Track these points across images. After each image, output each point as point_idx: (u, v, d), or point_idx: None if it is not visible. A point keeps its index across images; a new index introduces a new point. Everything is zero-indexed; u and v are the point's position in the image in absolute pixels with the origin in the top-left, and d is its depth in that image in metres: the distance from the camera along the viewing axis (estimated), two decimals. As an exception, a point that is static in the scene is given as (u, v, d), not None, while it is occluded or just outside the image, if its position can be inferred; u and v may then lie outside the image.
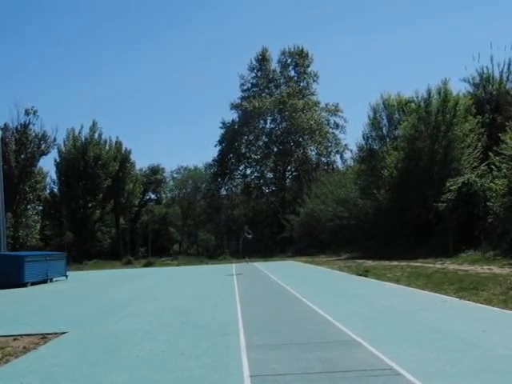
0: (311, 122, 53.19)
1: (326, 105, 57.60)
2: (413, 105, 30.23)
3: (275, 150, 56.67)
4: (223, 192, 60.08)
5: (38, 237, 42.12)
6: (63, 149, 44.86)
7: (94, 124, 45.96)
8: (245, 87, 57.75)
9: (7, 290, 17.47)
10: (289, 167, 57.72)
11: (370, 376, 4.95)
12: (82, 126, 45.79)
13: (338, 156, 56.83)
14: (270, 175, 58.46)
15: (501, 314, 8.32)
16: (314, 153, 56.98)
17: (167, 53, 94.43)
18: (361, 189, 34.02)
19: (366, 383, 4.79)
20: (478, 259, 19.24)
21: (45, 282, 20.23)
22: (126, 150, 50.74)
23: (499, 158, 22.38)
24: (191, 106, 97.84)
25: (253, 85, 57.66)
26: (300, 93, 55.75)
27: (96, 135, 46.03)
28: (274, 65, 58.04)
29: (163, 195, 65.53)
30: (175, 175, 65.13)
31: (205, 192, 60.34)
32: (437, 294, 11.02)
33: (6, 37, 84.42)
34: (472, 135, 27.21)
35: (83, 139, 45.39)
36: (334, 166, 54.31)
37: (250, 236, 21.72)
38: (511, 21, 67.14)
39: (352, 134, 46.63)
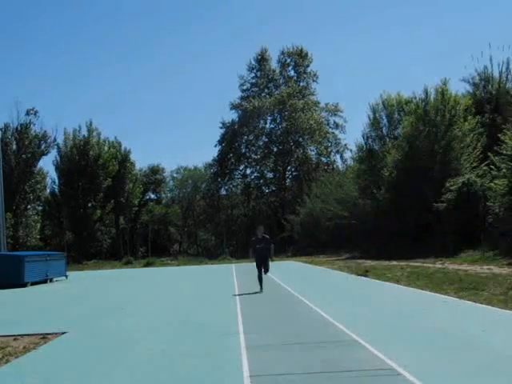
0: (311, 122, 53.20)
1: (326, 105, 57.64)
2: (412, 105, 30.25)
3: (275, 150, 56.70)
4: (223, 192, 60.12)
5: (38, 237, 42.12)
6: (63, 149, 44.88)
7: (91, 124, 46.06)
8: (244, 87, 57.84)
9: (7, 290, 17.46)
10: (289, 167, 57.74)
11: (370, 376, 4.95)
12: (79, 127, 45.91)
13: (337, 156, 56.91)
14: (270, 175, 58.50)
15: (501, 314, 8.32)
16: (313, 153, 57.06)
17: (167, 53, 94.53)
18: (361, 189, 34.01)
19: (366, 383, 4.79)
20: (478, 259, 19.24)
21: (45, 282, 20.23)
22: (125, 149, 50.81)
23: (499, 158, 22.37)
24: (191, 106, 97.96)
25: (252, 85, 57.70)
26: (300, 93, 55.75)
27: (94, 135, 46.06)
28: (274, 65, 58.15)
29: (163, 195, 65.54)
30: (175, 175, 65.18)
31: (205, 192, 60.36)
32: (437, 294, 11.01)
33: (6, 37, 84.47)
34: (471, 135, 27.22)
35: (82, 139, 45.39)
36: (334, 166, 54.33)
37: (262, 244, 13.05)
38: (511, 21, 67.18)
39: (352, 134, 46.65)
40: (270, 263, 13.53)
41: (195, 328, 8.20)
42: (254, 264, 13.32)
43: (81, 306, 12.57)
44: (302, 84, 57.68)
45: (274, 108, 54.19)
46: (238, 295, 12.60)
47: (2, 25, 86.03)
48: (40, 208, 44.68)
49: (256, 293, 12.64)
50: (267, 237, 13.34)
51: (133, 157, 51.42)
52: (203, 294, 13.77)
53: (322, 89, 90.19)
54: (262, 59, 57.18)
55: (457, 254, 21.67)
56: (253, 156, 57.71)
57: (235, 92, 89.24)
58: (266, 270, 13.14)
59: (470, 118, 27.85)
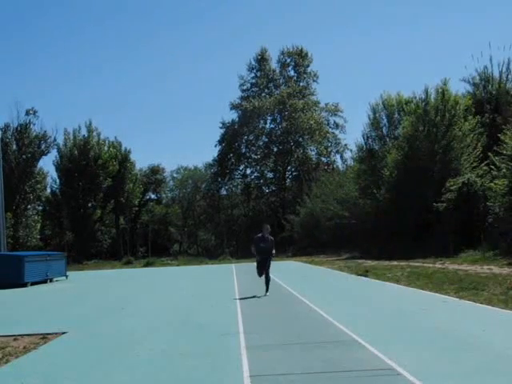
0: (311, 122, 53.20)
1: (326, 105, 57.65)
2: (412, 105, 30.25)
3: (275, 150, 56.70)
4: (223, 192, 60.14)
5: (38, 237, 42.09)
6: (63, 149, 44.87)
7: (91, 124, 46.03)
8: (244, 87, 57.85)
9: (7, 290, 17.46)
10: (289, 167, 57.75)
11: (370, 376, 4.94)
12: (79, 127, 45.88)
13: (338, 156, 56.94)
14: (270, 175, 58.53)
15: (501, 314, 8.32)
16: (314, 153, 57.10)
17: (167, 53, 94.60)
18: (361, 189, 34.02)
19: (366, 383, 4.79)
20: (478, 259, 19.25)
21: (45, 282, 20.22)
22: (125, 149, 50.82)
23: (499, 158, 22.37)
24: (191, 106, 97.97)
25: (252, 85, 57.71)
26: (300, 93, 55.76)
27: (94, 135, 46.03)
28: (274, 65, 58.16)
29: (163, 195, 65.55)
30: (175, 175, 65.19)
31: (205, 192, 60.36)
32: (437, 294, 11.01)
33: (6, 37, 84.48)
34: (472, 135, 27.22)
35: (82, 139, 45.37)
36: (334, 166, 54.34)
37: (266, 243, 12.34)
38: (511, 21, 67.19)
39: (352, 134, 46.70)
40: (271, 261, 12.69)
41: (195, 328, 8.20)
42: (255, 264, 12.71)
43: (81, 306, 12.57)
44: (302, 84, 57.68)
45: (274, 108, 54.19)
46: (238, 295, 12.60)
47: (2, 25, 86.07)
48: (40, 208, 44.66)
49: (256, 293, 12.61)
50: (271, 238, 12.60)
51: (133, 157, 51.49)
52: (203, 294, 13.77)
53: (322, 89, 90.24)
54: (261, 59, 57.19)
55: (457, 254, 21.68)
56: (253, 156, 57.74)
57: (235, 92, 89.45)
58: (267, 280, 12.31)
59: (470, 117, 27.85)
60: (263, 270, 12.32)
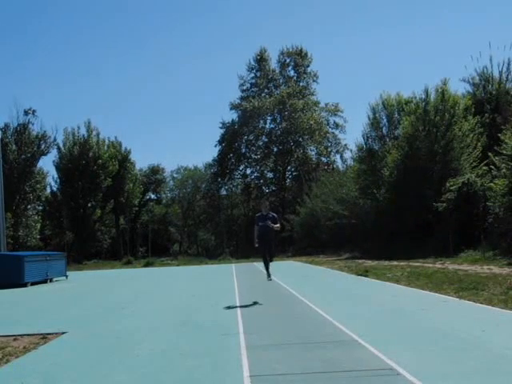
0: (311, 122, 53.24)
1: (326, 105, 57.71)
2: (412, 105, 30.27)
3: (275, 150, 56.74)
4: (223, 192, 60.19)
5: (38, 237, 42.11)
6: (63, 149, 44.88)
7: (90, 124, 46.06)
8: (244, 87, 57.93)
9: (7, 290, 17.46)
10: (289, 167, 57.80)
11: (370, 376, 4.94)
12: (78, 127, 45.91)
13: (337, 156, 57.01)
14: (270, 175, 58.59)
15: (501, 314, 8.31)
16: (314, 153, 57.18)
17: (167, 53, 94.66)
18: (361, 188, 34.04)
19: (366, 383, 4.79)
20: (478, 259, 19.25)
21: (45, 282, 20.23)
22: (125, 149, 50.89)
23: (499, 158, 22.38)
24: (191, 106, 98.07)
25: (252, 85, 57.77)
26: (300, 93, 55.80)
27: (94, 134, 46.05)
28: (274, 65, 58.24)
29: (163, 195, 65.61)
30: (175, 175, 65.28)
31: (205, 192, 60.43)
32: (437, 294, 11.01)
33: (6, 37, 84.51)
34: (471, 135, 27.24)
35: (82, 139, 45.38)
36: (334, 166, 54.39)
37: (266, 221, 11.37)
38: (511, 21, 67.22)
39: (352, 134, 46.76)
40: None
41: (195, 328, 8.20)
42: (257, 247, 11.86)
43: (81, 306, 12.57)
44: (301, 84, 57.74)
45: (274, 108, 54.23)
46: (238, 295, 12.60)
47: (2, 25, 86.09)
48: (40, 208, 44.70)
49: (257, 295, 12.62)
50: (273, 214, 11.75)
51: (133, 157, 51.59)
52: (203, 294, 13.77)
53: (322, 89, 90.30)
54: (261, 59, 57.26)
55: (457, 254, 21.68)
56: (253, 156, 57.80)
57: (235, 92, 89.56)
58: (271, 257, 11.99)
59: (469, 117, 27.87)
60: (265, 252, 11.74)
